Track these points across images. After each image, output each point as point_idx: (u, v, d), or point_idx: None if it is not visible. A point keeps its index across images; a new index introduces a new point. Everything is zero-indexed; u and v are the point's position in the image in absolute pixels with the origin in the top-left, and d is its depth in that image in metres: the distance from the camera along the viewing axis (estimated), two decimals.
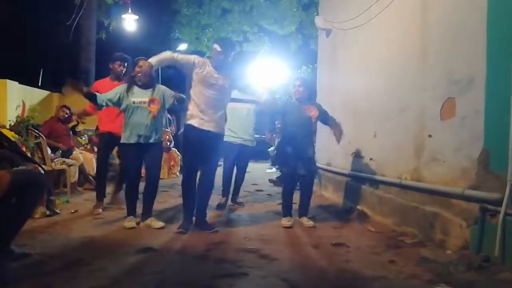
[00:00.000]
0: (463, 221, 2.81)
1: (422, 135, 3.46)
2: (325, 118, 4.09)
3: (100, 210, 4.32)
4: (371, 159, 4.45)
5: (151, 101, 3.65)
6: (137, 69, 3.73)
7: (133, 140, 3.68)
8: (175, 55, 3.63)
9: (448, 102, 3.09)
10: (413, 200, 3.49)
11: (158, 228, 3.61)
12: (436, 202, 3.18)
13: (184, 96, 3.86)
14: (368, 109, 4.61)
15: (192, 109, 3.60)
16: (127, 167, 3.89)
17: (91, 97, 3.70)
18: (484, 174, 2.68)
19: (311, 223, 3.90)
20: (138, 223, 3.74)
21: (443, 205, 3.08)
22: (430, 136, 3.35)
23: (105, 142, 4.42)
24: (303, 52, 12.07)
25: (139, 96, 3.70)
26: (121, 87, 3.78)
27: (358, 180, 4.75)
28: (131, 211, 3.78)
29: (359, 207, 4.51)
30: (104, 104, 3.70)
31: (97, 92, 3.88)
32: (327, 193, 5.67)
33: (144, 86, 3.75)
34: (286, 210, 3.99)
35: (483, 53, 2.70)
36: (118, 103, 3.72)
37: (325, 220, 4.14)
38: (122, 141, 3.74)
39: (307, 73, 10.91)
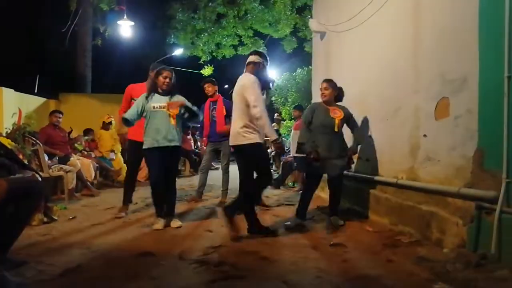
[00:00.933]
0: (459, 220, 2.84)
1: (417, 135, 3.49)
2: (349, 122, 4.11)
3: (123, 214, 4.40)
4: (367, 159, 4.48)
5: (170, 105, 3.85)
6: (161, 78, 3.88)
7: (154, 144, 3.83)
8: (260, 103, 3.49)
9: (442, 102, 3.12)
10: (410, 199, 3.52)
11: (176, 228, 3.83)
12: (432, 201, 3.20)
13: (197, 112, 4.04)
14: (363, 110, 4.63)
15: (253, 126, 3.51)
16: (152, 172, 3.98)
17: (129, 123, 3.90)
18: (479, 172, 2.71)
19: (340, 222, 3.94)
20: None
21: (439, 204, 3.10)
22: (425, 135, 3.37)
23: (136, 149, 4.39)
24: (298, 55, 12.14)
25: (158, 101, 3.88)
26: (141, 98, 3.92)
27: (355, 180, 4.77)
28: (160, 212, 3.92)
29: (356, 207, 4.53)
30: (136, 119, 3.89)
31: (133, 96, 4.35)
32: (324, 194, 5.68)
33: (164, 94, 3.92)
34: (298, 211, 4.01)
35: (475, 53, 2.73)
36: (142, 113, 3.90)
37: (323, 221, 4.15)
38: (144, 147, 3.88)
39: (302, 75, 10.93)
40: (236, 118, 3.61)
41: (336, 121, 3.94)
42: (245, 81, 3.56)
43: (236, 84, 3.69)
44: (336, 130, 3.95)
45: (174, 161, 4.06)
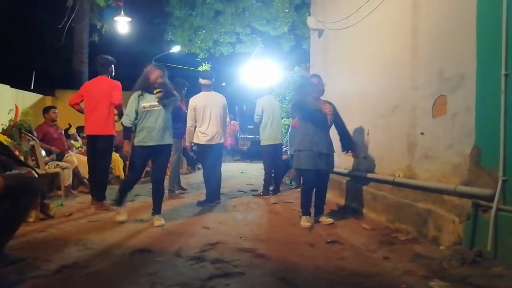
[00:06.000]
0: (455, 217, 2.85)
1: (414, 133, 3.49)
2: (337, 118, 4.10)
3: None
4: (364, 157, 4.48)
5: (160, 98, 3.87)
6: (152, 79, 3.88)
7: (147, 143, 3.85)
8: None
9: (440, 100, 3.13)
10: (407, 197, 3.53)
11: (157, 226, 3.77)
12: (429, 199, 3.21)
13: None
14: (361, 107, 4.64)
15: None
16: (137, 169, 4.04)
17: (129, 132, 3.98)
18: (476, 170, 2.72)
19: (330, 220, 3.93)
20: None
21: (436, 201, 3.11)
22: (422, 133, 3.38)
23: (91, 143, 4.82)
24: (296, 53, 12.12)
25: (150, 100, 3.88)
26: (134, 100, 3.90)
27: (352, 178, 4.78)
28: (121, 203, 4.00)
29: (353, 205, 4.54)
30: (132, 124, 3.92)
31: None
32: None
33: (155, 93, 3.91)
34: (305, 209, 3.94)
35: (473, 50, 2.74)
36: (137, 114, 3.91)
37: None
38: (137, 144, 3.90)
39: (299, 73, 10.91)
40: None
41: (328, 116, 3.96)
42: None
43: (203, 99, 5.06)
44: (329, 124, 3.99)
45: (163, 160, 4.05)
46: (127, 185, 4.07)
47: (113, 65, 4.85)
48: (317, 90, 4.09)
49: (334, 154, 4.12)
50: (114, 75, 4.91)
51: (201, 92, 5.16)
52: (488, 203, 2.58)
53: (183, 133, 5.47)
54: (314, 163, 3.91)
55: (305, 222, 3.84)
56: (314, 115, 3.97)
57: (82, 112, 4.85)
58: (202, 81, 5.18)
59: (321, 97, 4.16)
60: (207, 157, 5.09)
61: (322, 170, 3.98)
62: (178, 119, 5.31)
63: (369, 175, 4.27)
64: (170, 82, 4.09)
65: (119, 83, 4.74)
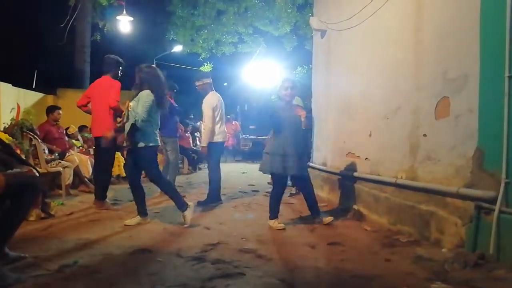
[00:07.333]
0: (458, 219, 2.84)
1: (417, 135, 3.48)
2: (311, 123, 4.16)
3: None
4: (366, 158, 4.47)
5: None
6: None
7: (125, 143, 3.97)
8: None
9: (443, 101, 3.12)
10: (409, 199, 3.51)
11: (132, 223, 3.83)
12: (431, 201, 3.20)
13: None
14: (363, 109, 4.62)
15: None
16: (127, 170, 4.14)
17: None
18: (479, 172, 2.70)
19: (329, 218, 3.93)
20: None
21: (438, 203, 3.10)
22: (425, 135, 3.37)
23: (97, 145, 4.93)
24: (298, 53, 12.11)
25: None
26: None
27: (354, 179, 4.76)
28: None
29: (354, 206, 4.52)
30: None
31: None
32: (322, 193, 5.68)
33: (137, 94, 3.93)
34: (275, 212, 3.92)
35: (476, 52, 2.73)
36: None
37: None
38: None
39: (302, 74, 10.93)
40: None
41: (302, 119, 3.93)
42: None
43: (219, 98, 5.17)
44: (303, 127, 3.95)
45: (138, 161, 3.90)
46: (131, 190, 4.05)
47: (120, 67, 4.79)
48: (289, 94, 4.00)
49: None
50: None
51: (211, 92, 5.18)
52: (490, 205, 2.57)
53: (177, 131, 5.56)
54: (283, 167, 3.85)
55: (277, 223, 3.82)
56: (287, 120, 3.91)
57: (90, 113, 4.80)
58: (210, 80, 5.24)
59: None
60: (219, 156, 5.25)
61: (297, 174, 3.96)
62: (170, 116, 5.36)
63: (371, 176, 4.25)
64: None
65: (118, 83, 4.66)
